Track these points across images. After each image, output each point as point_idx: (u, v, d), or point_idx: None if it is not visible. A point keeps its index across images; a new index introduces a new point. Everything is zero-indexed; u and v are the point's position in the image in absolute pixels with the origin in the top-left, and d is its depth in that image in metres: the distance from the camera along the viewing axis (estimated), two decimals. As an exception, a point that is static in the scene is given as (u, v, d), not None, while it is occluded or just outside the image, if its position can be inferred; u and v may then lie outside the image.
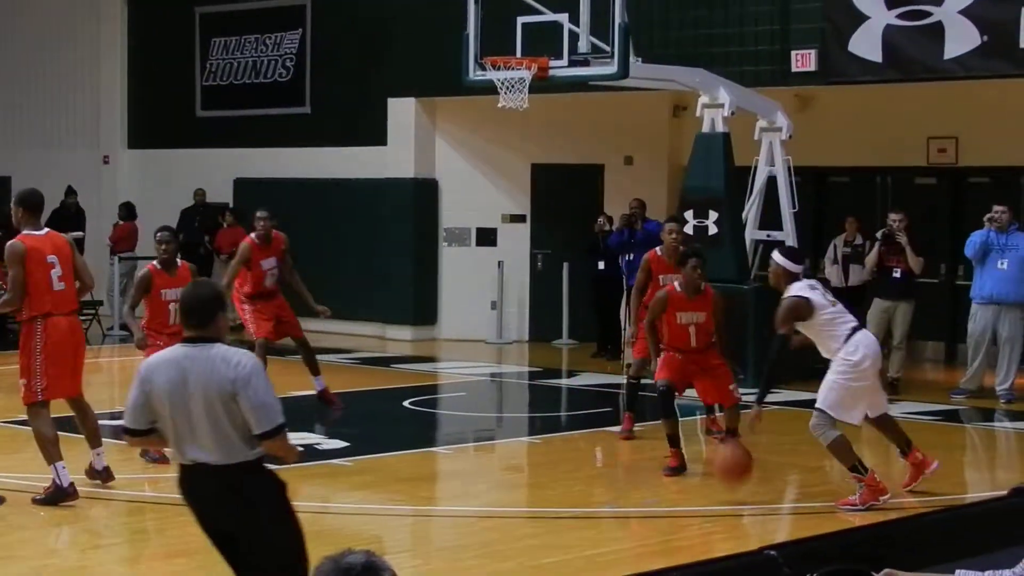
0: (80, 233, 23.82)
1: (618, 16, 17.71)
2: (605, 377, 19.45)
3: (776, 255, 11.96)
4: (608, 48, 17.97)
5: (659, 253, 14.59)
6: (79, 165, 27.57)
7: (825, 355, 11.85)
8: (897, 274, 18.17)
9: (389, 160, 23.78)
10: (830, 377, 11.71)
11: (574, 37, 18.22)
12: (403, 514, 11.70)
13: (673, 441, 13.03)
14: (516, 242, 23.74)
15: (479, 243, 23.78)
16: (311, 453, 13.39)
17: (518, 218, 23.90)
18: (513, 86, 18.10)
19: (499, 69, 18.21)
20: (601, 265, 21.33)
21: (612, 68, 17.98)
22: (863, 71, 19.13)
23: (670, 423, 13.04)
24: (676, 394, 13.32)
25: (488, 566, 10.00)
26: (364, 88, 24.30)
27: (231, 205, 25.31)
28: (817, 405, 11.73)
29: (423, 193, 23.70)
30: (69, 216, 24.59)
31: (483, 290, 23.44)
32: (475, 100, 21.23)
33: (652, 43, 19.82)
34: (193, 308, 7.10)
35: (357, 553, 4.33)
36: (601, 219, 21.62)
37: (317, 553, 9.61)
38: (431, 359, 21.39)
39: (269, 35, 25.77)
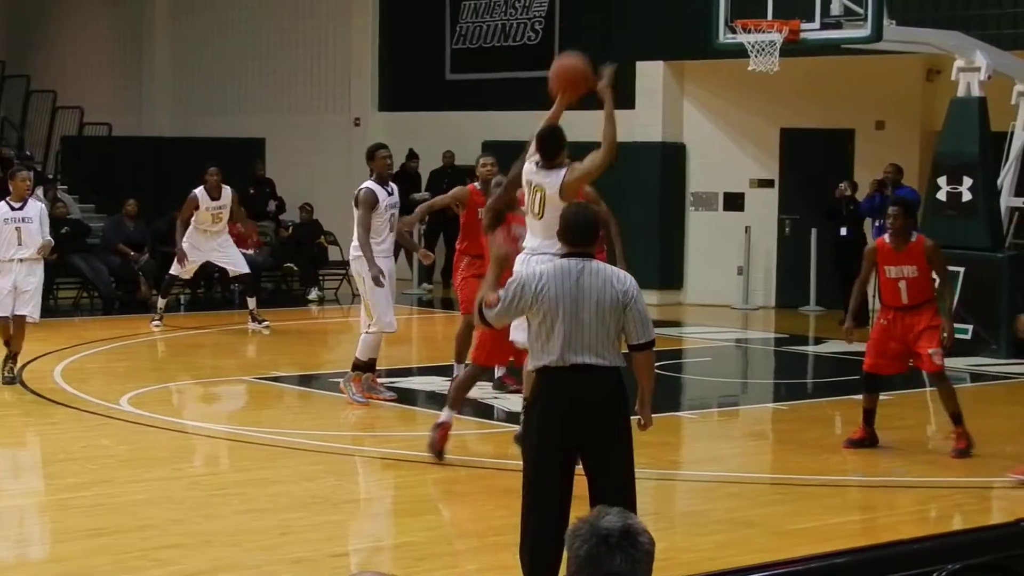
0: (426, 193, 24.13)
1: (872, -23, 17.41)
2: (851, 345, 19.17)
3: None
4: (861, 10, 17.67)
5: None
6: (331, 127, 28.06)
7: None
8: None
9: (637, 124, 23.69)
10: None
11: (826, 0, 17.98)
12: (648, 477, 11.68)
13: (866, 417, 12.59)
14: (764, 207, 23.51)
15: (726, 208, 23.61)
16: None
17: (766, 183, 23.67)
18: (764, 49, 17.92)
19: (749, 32, 18.04)
20: (843, 231, 21.02)
21: (865, 31, 17.69)
22: None
23: (867, 398, 12.65)
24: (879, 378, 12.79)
25: (733, 532, 9.95)
26: (612, 51, 24.18)
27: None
28: None
29: (671, 157, 23.61)
30: (411, 178, 25.09)
31: (730, 255, 23.27)
32: (724, 63, 21.06)
33: (906, 5, 19.43)
34: (578, 227, 7.73)
35: (613, 515, 4.27)
36: (843, 184, 21.31)
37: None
38: (677, 323, 21.29)
39: (519, -1, 25.88)
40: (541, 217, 10.59)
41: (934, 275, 12.58)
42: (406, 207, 23.46)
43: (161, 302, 19.79)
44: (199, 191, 19.31)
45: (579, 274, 7.59)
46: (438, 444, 11.35)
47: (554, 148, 10.74)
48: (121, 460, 11.86)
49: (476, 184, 14.72)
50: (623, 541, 4.18)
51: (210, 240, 19.46)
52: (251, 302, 19.65)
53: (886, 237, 12.60)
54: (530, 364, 7.76)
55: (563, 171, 10.68)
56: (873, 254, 12.69)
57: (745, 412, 15.61)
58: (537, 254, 10.39)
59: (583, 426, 7.58)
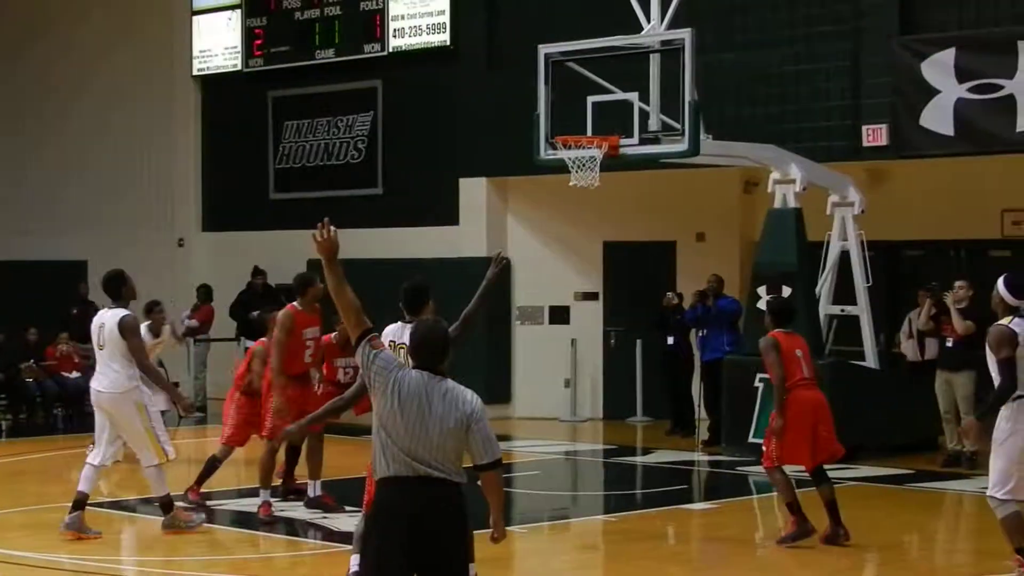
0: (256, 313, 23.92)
1: (688, 94, 17.76)
2: (680, 454, 19.38)
3: (1000, 284, 11.14)
4: (679, 126, 18.02)
5: None
6: (155, 248, 27.84)
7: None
8: (950, 343, 17.90)
9: (462, 239, 23.87)
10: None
11: (644, 115, 18.31)
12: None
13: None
14: (589, 320, 23.74)
15: (552, 321, 23.81)
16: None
17: (591, 296, 23.92)
18: (584, 164, 18.17)
19: (570, 148, 18.29)
20: (670, 340, 21.29)
21: (683, 145, 18.02)
22: (935, 145, 19.10)
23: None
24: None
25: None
26: (436, 168, 24.45)
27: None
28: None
29: (496, 272, 23.71)
30: (255, 297, 24.78)
31: (557, 368, 23.45)
32: (546, 179, 21.31)
33: (722, 120, 19.85)
34: (430, 345, 7.79)
35: None
36: (670, 294, 21.58)
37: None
38: (505, 437, 21.31)
39: (341, 117, 26.01)
40: None
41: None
42: (247, 326, 23.45)
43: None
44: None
45: (429, 390, 7.60)
46: None
47: (418, 302, 10.85)
48: None
49: (296, 304, 14.60)
50: None
51: None
52: None
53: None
54: (375, 473, 7.67)
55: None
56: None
57: (576, 525, 15.64)
58: None
59: (422, 542, 7.53)
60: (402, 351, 10.55)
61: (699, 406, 20.85)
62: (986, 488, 11.05)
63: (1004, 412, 10.73)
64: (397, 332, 10.55)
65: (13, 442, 21.31)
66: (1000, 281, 11.10)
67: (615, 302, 23.80)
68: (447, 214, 24.09)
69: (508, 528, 14.34)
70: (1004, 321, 10.89)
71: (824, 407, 13.38)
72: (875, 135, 19.57)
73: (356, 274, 25.56)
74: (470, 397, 7.73)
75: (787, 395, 13.10)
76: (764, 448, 13.28)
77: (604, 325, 23.83)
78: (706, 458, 18.96)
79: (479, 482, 7.80)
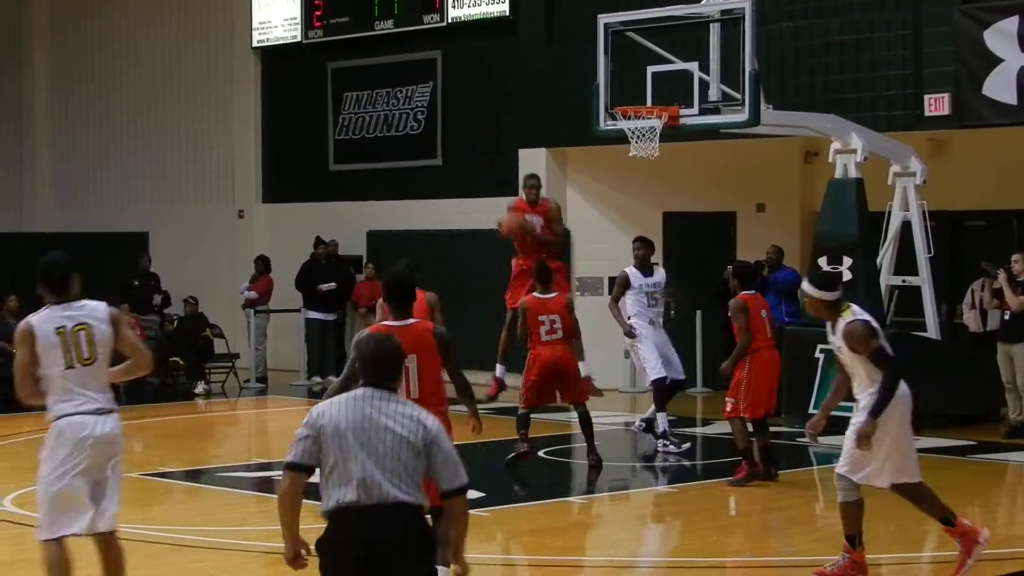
0: (332, 284, 24.14)
1: (748, 63, 17.66)
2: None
3: (807, 285, 10.88)
4: (739, 95, 17.92)
5: None
6: (215, 220, 27.98)
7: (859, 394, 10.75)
8: (1006, 315, 17.97)
9: (521, 211, 23.84)
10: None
11: (704, 85, 18.22)
12: (540, 564, 11.69)
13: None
14: (648, 291, 23.66)
15: (611, 292, 23.71)
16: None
17: (650, 267, 23.82)
18: (644, 135, 18.10)
19: (629, 119, 18.22)
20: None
21: (743, 115, 17.93)
22: (998, 114, 18.92)
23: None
24: None
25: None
26: (495, 139, 24.44)
27: (364, 258, 25.59)
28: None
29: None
30: (319, 268, 24.87)
31: (616, 339, 23.35)
32: (606, 149, 21.27)
33: (783, 89, 19.76)
34: (379, 361, 7.18)
35: None
36: (730, 267, 21.47)
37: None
38: (565, 408, 21.31)
39: (400, 88, 26.02)
40: None
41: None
42: (312, 297, 23.61)
43: None
44: None
45: (374, 408, 7.00)
46: None
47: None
48: (5, 563, 11.66)
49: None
50: None
51: None
52: None
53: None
54: (321, 506, 7.05)
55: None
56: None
57: (635, 495, 15.65)
58: None
59: (379, 571, 6.93)
60: None
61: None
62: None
63: None
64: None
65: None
66: (805, 283, 11.01)
67: (675, 273, 23.67)
68: (506, 185, 24.04)
69: (569, 499, 14.47)
70: (858, 314, 10.60)
71: (778, 365, 15.12)
72: (937, 104, 19.42)
73: (415, 245, 25.72)
74: (428, 417, 7.11)
75: (753, 354, 14.65)
76: (731, 400, 14.78)
77: (664, 296, 23.71)
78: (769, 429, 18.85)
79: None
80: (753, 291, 15.07)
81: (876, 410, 10.37)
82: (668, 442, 16.68)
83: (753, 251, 21.78)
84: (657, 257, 23.71)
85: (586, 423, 15.62)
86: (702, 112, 18.23)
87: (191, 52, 28.79)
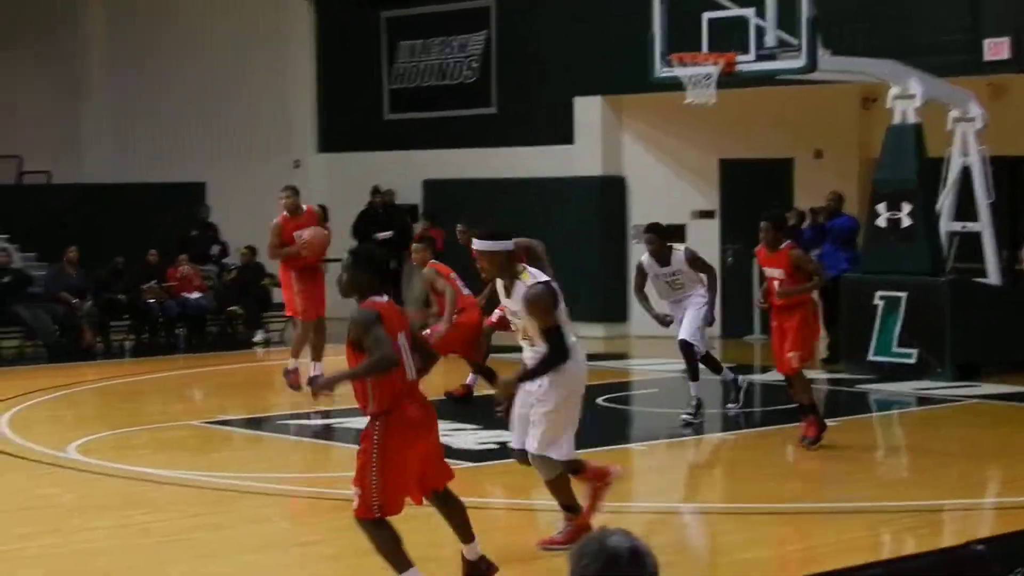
0: (389, 233, 24.20)
1: (805, 9, 17.56)
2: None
3: (477, 242, 9.62)
4: (795, 41, 17.83)
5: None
6: (271, 170, 28.03)
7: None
8: None
9: (576, 158, 23.83)
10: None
11: (761, 31, 18.12)
12: (599, 510, 11.70)
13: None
14: (705, 238, 23.61)
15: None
16: (507, 450, 13.47)
17: (707, 214, 23.81)
18: (700, 82, 18.04)
19: (686, 65, 18.16)
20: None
21: (800, 61, 17.85)
22: (1059, 58, 18.77)
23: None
24: None
25: (687, 562, 9.98)
26: (550, 87, 24.38)
27: (420, 207, 25.62)
28: None
29: (611, 191, 23.72)
30: (376, 216, 24.92)
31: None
32: (661, 97, 21.19)
33: (841, 35, 19.61)
34: None
35: (619, 535, 4.24)
36: (787, 214, 21.39)
37: (522, 547, 9.73)
38: (623, 356, 21.35)
39: (455, 37, 25.98)
40: None
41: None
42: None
43: None
44: None
45: None
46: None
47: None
48: (70, 509, 11.79)
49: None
50: (632, 561, 4.19)
51: None
52: None
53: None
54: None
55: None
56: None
57: (694, 442, 15.64)
58: None
59: None
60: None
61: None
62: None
63: None
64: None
65: (136, 362, 21.65)
66: (476, 241, 9.67)
67: (732, 220, 23.65)
68: (562, 133, 24.04)
69: (627, 446, 14.49)
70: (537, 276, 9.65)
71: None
72: (997, 49, 19.23)
73: (472, 193, 25.77)
74: None
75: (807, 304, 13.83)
76: (796, 354, 13.63)
77: (721, 243, 23.71)
78: (825, 376, 18.85)
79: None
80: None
81: (528, 375, 9.56)
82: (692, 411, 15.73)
83: (810, 198, 21.71)
84: (713, 203, 23.83)
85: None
86: (759, 58, 18.16)
87: (246, 2, 28.80)
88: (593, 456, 13.99)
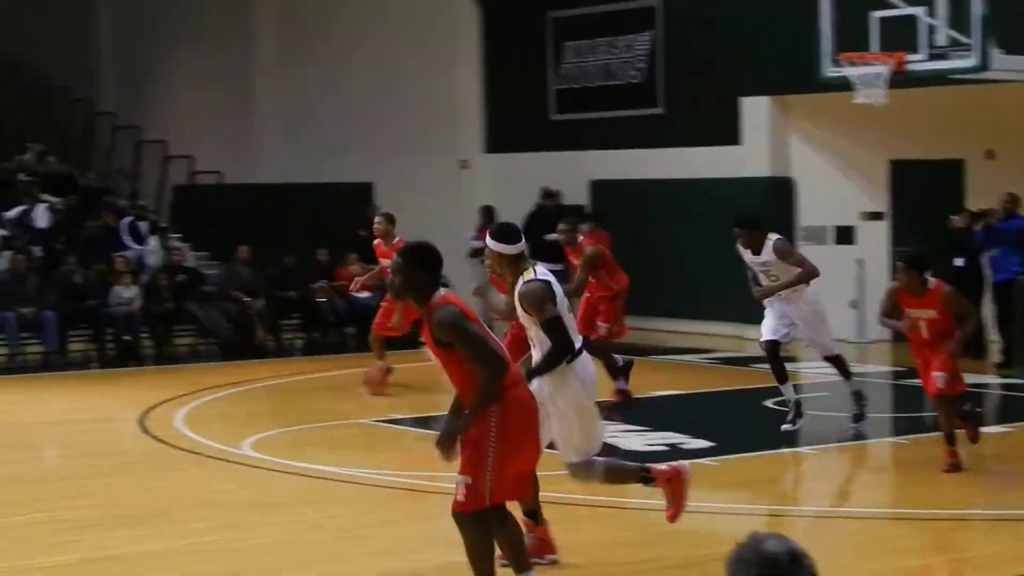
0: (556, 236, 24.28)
1: (977, 7, 17.32)
2: (971, 377, 18.97)
3: (489, 240, 9.43)
4: (967, 40, 17.59)
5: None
6: (437, 170, 28.24)
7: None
8: None
9: (744, 159, 23.71)
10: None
11: (931, 30, 17.90)
12: (769, 514, 11.67)
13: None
14: (875, 240, 23.39)
15: (838, 241, 23.51)
16: (676, 452, 13.48)
17: (876, 215, 23.56)
18: (870, 82, 17.88)
19: (855, 65, 18.01)
20: (959, 262, 20.84)
21: (972, 60, 17.62)
22: None
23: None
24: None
25: (857, 567, 9.90)
26: (716, 87, 24.29)
27: (587, 207, 25.64)
28: None
29: (779, 191, 23.57)
30: (545, 218, 25.03)
31: (843, 289, 23.13)
32: (829, 97, 21.00)
33: (1014, 33, 19.30)
34: None
35: (773, 539, 4.23)
36: (955, 217, 21.16)
37: (682, 552, 9.72)
38: (791, 359, 21.14)
39: (620, 37, 25.97)
40: None
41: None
42: (539, 247, 23.67)
43: None
44: None
45: None
46: None
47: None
48: (245, 505, 12.00)
49: None
50: (792, 564, 4.18)
51: None
52: None
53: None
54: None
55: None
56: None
57: (865, 447, 15.51)
58: None
59: None
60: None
61: (991, 328, 20.43)
62: None
63: None
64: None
65: (307, 360, 21.96)
66: (488, 239, 9.45)
67: (902, 222, 23.38)
68: (728, 133, 23.93)
69: (798, 449, 14.40)
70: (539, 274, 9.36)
71: None
72: None
73: (638, 195, 25.73)
74: None
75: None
76: (942, 375, 12.95)
77: (891, 245, 23.45)
78: (999, 381, 18.58)
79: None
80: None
81: (535, 372, 9.23)
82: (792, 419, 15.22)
83: (983, 199, 21.39)
84: (883, 205, 23.55)
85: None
86: (930, 58, 17.94)
87: (413, 3, 29.04)
88: (765, 459, 13.98)
